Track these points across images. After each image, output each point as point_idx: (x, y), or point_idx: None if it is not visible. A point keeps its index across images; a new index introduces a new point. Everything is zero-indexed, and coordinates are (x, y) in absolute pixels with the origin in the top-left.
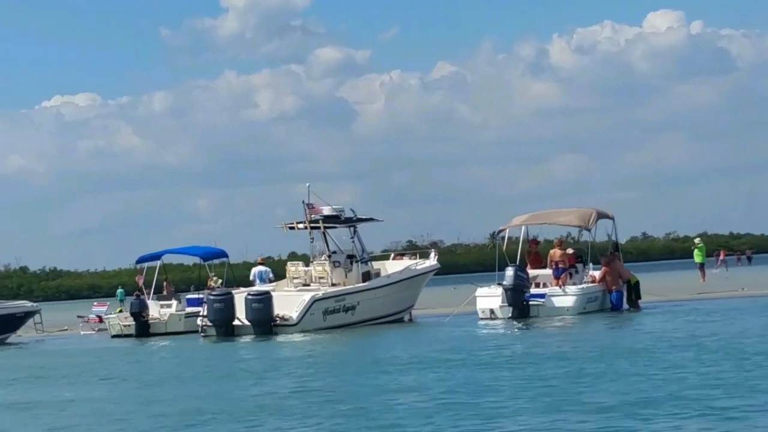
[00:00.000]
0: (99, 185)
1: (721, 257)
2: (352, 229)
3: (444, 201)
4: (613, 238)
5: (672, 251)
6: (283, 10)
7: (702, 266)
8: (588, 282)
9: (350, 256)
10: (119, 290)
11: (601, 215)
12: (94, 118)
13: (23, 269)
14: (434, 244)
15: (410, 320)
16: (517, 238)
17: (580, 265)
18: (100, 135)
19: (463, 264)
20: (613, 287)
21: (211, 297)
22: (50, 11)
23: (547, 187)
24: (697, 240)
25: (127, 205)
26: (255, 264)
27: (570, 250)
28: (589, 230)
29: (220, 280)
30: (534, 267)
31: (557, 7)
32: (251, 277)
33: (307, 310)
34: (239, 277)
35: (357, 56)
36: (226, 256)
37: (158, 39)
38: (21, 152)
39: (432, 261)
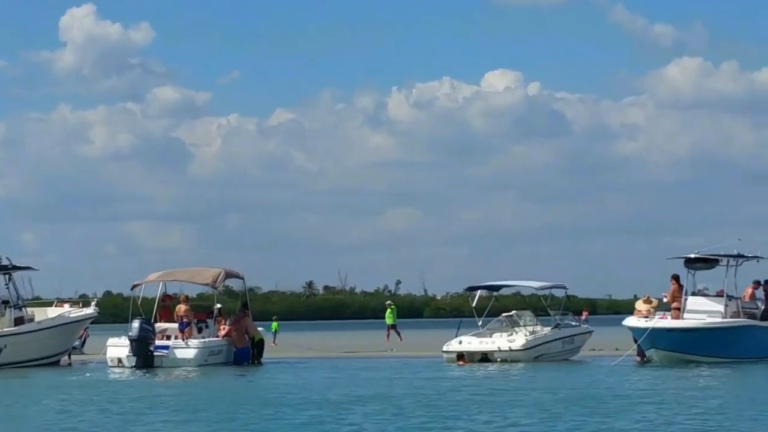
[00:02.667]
0: None
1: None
2: (7, 276)
3: (276, 247)
4: (243, 296)
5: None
6: (122, 47)
7: (392, 327)
8: (218, 337)
9: (5, 302)
10: None
11: (230, 275)
12: None
13: None
14: (250, 291)
15: (69, 364)
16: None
17: (210, 320)
18: None
19: (277, 311)
20: (239, 343)
21: None
22: None
23: (378, 238)
24: (388, 302)
25: None
26: None
27: (218, 305)
28: (216, 288)
29: None
30: (165, 320)
31: (398, 61)
32: None
33: None
34: None
35: (195, 98)
36: None
37: None
38: None
39: (90, 310)
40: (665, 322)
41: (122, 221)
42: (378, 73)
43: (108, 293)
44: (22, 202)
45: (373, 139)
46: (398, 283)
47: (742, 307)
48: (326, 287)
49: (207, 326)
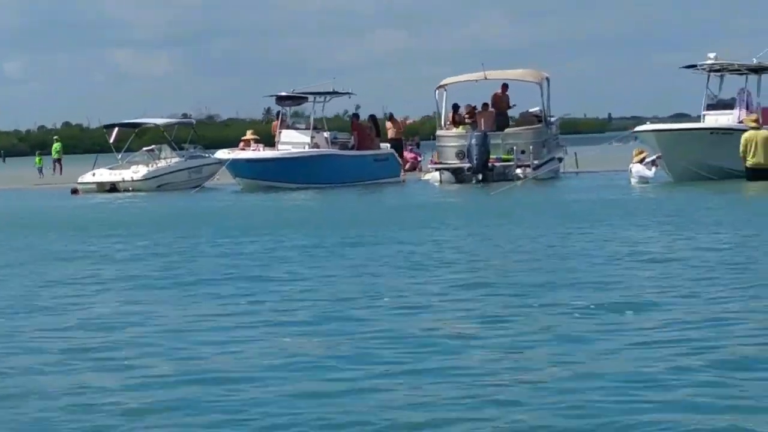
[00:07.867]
0: None
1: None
2: None
3: (258, 72)
4: None
5: None
6: None
7: (57, 161)
8: None
9: None
10: None
11: None
12: None
13: None
14: (210, 118)
15: None
16: None
17: None
18: None
19: (235, 137)
20: None
21: None
22: None
23: (361, 61)
24: (56, 137)
25: None
26: None
27: None
28: None
29: None
30: None
31: None
32: None
33: None
34: None
35: None
36: None
37: None
38: None
39: None
40: (246, 153)
41: (106, 48)
42: None
43: (67, 124)
44: (2, 31)
45: None
46: (358, 107)
47: (335, 139)
48: (295, 113)
49: None
